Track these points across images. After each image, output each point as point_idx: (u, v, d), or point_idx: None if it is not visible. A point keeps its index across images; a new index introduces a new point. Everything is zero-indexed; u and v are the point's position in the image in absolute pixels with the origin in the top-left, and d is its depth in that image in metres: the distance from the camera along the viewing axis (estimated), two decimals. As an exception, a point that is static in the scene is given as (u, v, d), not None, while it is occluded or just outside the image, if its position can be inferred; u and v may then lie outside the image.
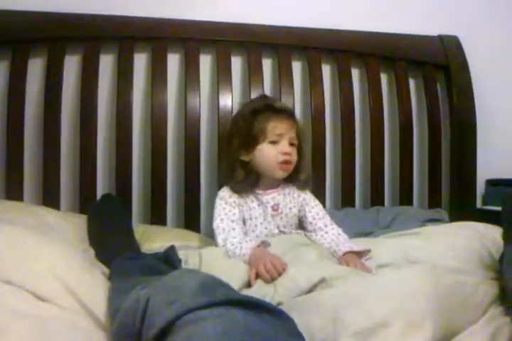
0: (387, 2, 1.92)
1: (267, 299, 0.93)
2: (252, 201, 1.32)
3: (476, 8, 2.00)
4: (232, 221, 1.27)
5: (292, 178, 1.36)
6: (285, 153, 1.28)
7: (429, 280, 0.85)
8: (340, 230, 1.32)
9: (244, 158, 1.31)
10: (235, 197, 1.32)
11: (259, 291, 0.97)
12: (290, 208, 1.34)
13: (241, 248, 1.15)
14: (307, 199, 1.37)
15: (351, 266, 1.10)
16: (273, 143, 1.28)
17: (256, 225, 1.31)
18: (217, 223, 1.27)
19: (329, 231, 1.30)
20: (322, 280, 0.93)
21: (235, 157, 1.32)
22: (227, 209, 1.30)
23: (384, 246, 1.23)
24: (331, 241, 1.27)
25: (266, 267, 1.02)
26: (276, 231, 1.31)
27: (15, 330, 0.70)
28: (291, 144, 1.31)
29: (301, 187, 1.37)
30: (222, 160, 1.47)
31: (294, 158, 1.32)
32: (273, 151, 1.28)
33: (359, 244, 1.23)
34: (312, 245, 1.21)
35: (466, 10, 1.99)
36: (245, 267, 1.08)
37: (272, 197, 1.33)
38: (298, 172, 1.36)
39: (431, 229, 1.38)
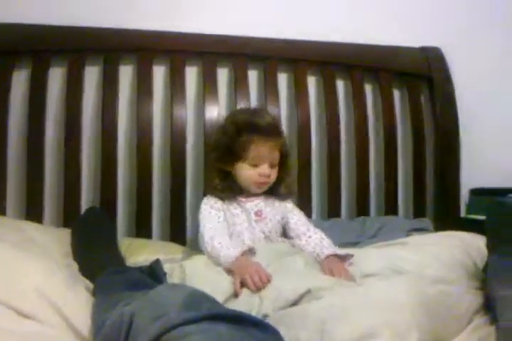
0: (371, 14, 1.94)
1: (253, 312, 0.92)
2: (235, 208, 1.34)
3: (458, 19, 2.02)
4: (219, 222, 1.29)
5: (273, 190, 1.37)
6: (264, 175, 1.30)
7: (414, 291, 0.86)
8: (323, 234, 1.32)
9: (225, 168, 1.33)
10: (219, 204, 1.33)
11: (245, 303, 0.97)
12: (273, 214, 1.35)
13: (226, 253, 1.15)
14: (289, 208, 1.39)
15: (335, 274, 1.11)
16: (253, 165, 1.29)
17: (241, 231, 1.31)
18: (203, 224, 1.28)
19: (312, 236, 1.31)
20: (308, 292, 0.93)
21: (215, 166, 1.34)
22: (212, 213, 1.31)
23: (370, 256, 1.23)
24: (315, 245, 1.27)
25: (253, 279, 1.02)
26: (262, 235, 1.31)
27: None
28: (272, 165, 1.32)
29: (283, 198, 1.39)
30: (207, 169, 1.48)
31: (273, 177, 1.33)
32: (251, 172, 1.30)
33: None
34: (298, 254, 1.21)
35: (448, 21, 2.01)
36: (229, 278, 1.07)
37: (255, 204, 1.35)
38: (279, 185, 1.37)
39: (416, 238, 1.39)
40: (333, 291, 0.93)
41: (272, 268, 1.08)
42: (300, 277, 1.03)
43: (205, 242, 1.22)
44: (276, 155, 1.33)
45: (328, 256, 1.21)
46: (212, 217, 1.30)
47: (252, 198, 1.35)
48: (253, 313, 0.91)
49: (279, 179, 1.36)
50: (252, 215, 1.33)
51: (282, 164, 1.37)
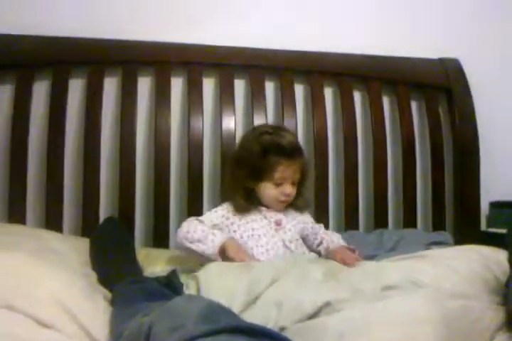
0: (388, 26, 1.95)
1: (271, 323, 0.91)
2: (255, 214, 1.37)
3: (476, 30, 2.02)
4: (212, 221, 1.35)
5: (292, 203, 1.41)
6: (286, 194, 1.34)
7: (435, 305, 0.84)
8: (340, 236, 1.44)
9: (250, 186, 1.37)
10: (230, 216, 1.37)
11: (262, 315, 0.95)
12: (293, 225, 1.38)
13: (214, 233, 1.27)
14: (306, 219, 1.45)
15: (348, 262, 1.20)
16: (277, 184, 1.34)
17: (259, 236, 1.33)
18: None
19: (331, 235, 1.43)
20: (327, 304, 0.92)
21: (239, 182, 1.37)
22: (213, 215, 1.37)
23: (388, 268, 1.21)
24: (326, 239, 1.40)
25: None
26: (280, 243, 1.32)
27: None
28: (293, 183, 1.37)
29: (301, 210, 1.44)
30: (226, 180, 1.51)
31: (293, 194, 1.38)
32: (275, 192, 1.35)
33: (363, 267, 1.22)
34: (317, 263, 1.20)
35: (467, 33, 2.01)
36: (244, 287, 1.06)
37: (274, 213, 1.38)
38: (297, 198, 1.41)
39: (435, 252, 1.37)
40: (352, 304, 0.92)
41: (289, 277, 1.07)
42: (320, 288, 1.01)
43: (187, 221, 1.32)
44: (298, 175, 1.37)
45: (339, 248, 1.33)
46: (210, 216, 1.36)
47: (271, 209, 1.39)
48: (270, 325, 0.90)
49: (298, 193, 1.40)
50: (273, 223, 1.36)
51: (302, 180, 1.41)
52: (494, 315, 0.92)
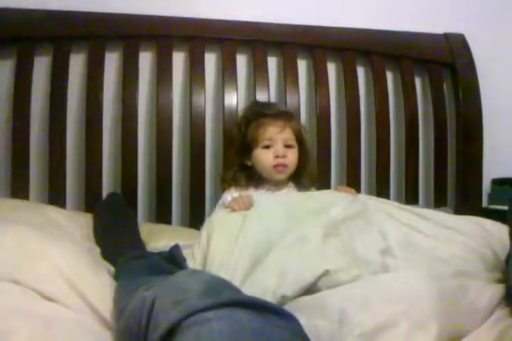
0: (393, 0, 1.91)
1: (269, 292, 0.92)
2: (264, 192, 1.36)
3: (482, 5, 1.98)
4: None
5: (296, 179, 1.40)
6: (278, 156, 1.31)
7: (435, 283, 0.85)
8: None
9: (245, 161, 1.36)
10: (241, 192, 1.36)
11: (262, 283, 0.96)
12: None
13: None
14: None
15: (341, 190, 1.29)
16: (266, 147, 1.32)
17: None
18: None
19: None
20: (326, 273, 0.93)
21: (236, 162, 1.38)
22: (234, 194, 1.35)
23: (392, 218, 1.18)
24: None
25: (238, 206, 1.17)
26: None
27: (24, 331, 0.70)
28: (288, 146, 1.33)
29: (306, 187, 1.41)
30: (224, 162, 1.53)
31: (291, 158, 1.34)
32: (267, 155, 1.32)
33: (364, 223, 1.17)
34: (318, 224, 1.10)
35: (472, 7, 1.97)
36: (244, 254, 1.07)
37: (282, 191, 1.37)
38: (300, 173, 1.39)
39: (440, 217, 1.32)
40: (350, 274, 0.94)
41: (288, 241, 1.05)
42: (318, 256, 1.01)
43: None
44: (288, 136, 1.34)
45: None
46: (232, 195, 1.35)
47: (280, 187, 1.38)
48: (270, 293, 0.92)
49: (302, 169, 1.38)
50: None
51: (302, 151, 1.38)
52: (494, 292, 0.93)
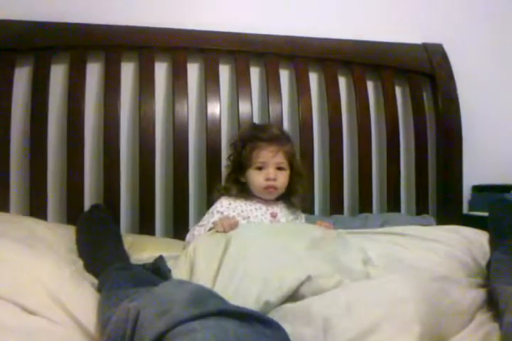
0: (373, 11, 1.94)
1: (253, 299, 0.93)
2: (254, 203, 1.39)
3: (461, 16, 2.03)
4: (218, 211, 1.36)
5: (287, 197, 1.43)
6: (269, 179, 1.35)
7: (416, 287, 0.86)
8: None
9: (241, 179, 1.40)
10: (232, 202, 1.39)
11: (246, 289, 0.96)
12: (287, 219, 1.41)
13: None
14: (299, 216, 1.47)
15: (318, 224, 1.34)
16: (259, 168, 1.36)
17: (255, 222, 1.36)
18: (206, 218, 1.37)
19: None
20: (309, 278, 0.94)
21: (230, 177, 1.42)
22: (224, 202, 1.38)
23: (371, 243, 1.22)
24: None
25: (222, 228, 1.21)
26: None
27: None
28: (279, 168, 1.37)
29: (296, 206, 1.45)
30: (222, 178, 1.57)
31: (282, 181, 1.38)
32: (259, 176, 1.36)
33: (345, 238, 1.24)
34: (301, 234, 1.18)
35: (451, 18, 2.01)
36: (227, 259, 1.07)
37: (270, 206, 1.40)
38: (290, 194, 1.42)
39: (417, 231, 1.36)
40: (333, 280, 0.95)
41: (272, 249, 1.07)
42: (301, 261, 1.02)
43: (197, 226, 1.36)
44: (280, 160, 1.37)
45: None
46: (222, 206, 1.38)
47: (270, 203, 1.41)
48: (253, 298, 0.92)
49: (292, 190, 1.42)
50: (268, 215, 1.38)
51: (293, 173, 1.41)
52: (475, 295, 0.95)
